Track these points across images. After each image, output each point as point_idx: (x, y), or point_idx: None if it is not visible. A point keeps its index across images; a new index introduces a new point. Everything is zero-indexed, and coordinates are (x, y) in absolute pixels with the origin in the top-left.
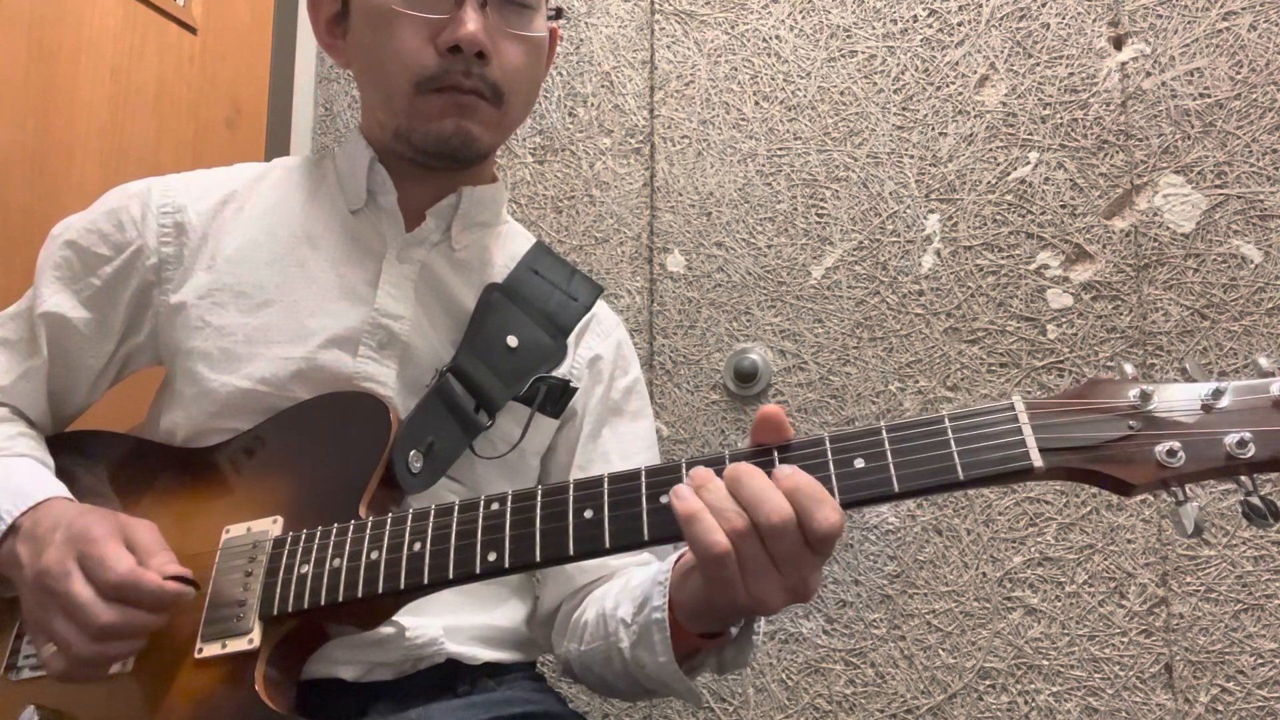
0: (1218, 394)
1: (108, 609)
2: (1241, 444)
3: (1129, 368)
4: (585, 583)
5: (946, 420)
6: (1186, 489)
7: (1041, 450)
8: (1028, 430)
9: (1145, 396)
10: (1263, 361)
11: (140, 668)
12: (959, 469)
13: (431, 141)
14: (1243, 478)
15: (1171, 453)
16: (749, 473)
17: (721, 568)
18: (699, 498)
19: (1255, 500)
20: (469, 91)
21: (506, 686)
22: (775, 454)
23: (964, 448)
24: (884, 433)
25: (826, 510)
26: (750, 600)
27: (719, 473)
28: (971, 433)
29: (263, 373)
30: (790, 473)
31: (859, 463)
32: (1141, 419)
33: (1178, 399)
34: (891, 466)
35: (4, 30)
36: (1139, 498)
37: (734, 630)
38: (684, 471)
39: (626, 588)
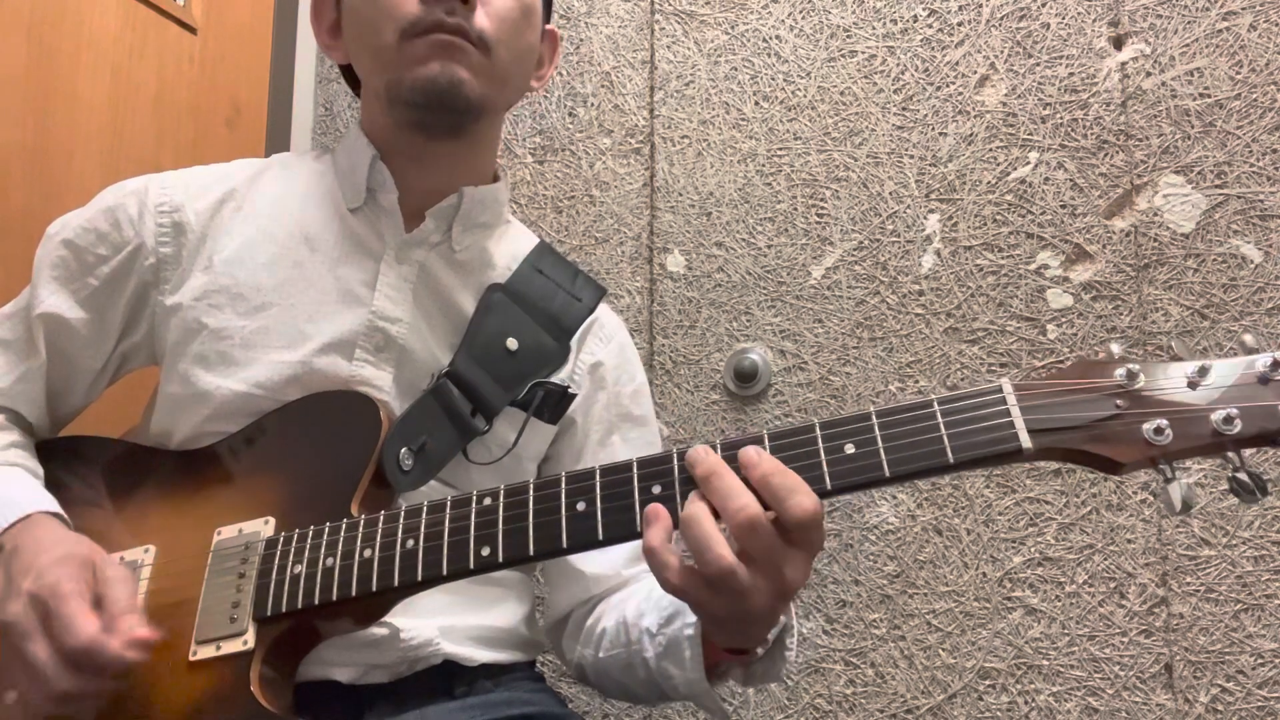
0: (1203, 371)
1: (65, 676)
2: (1228, 420)
3: (1115, 347)
4: (599, 591)
5: (936, 404)
6: (1175, 467)
7: (1030, 431)
8: (1016, 412)
9: (1132, 376)
10: (1248, 339)
11: (134, 673)
12: (949, 452)
13: (420, 86)
14: (1230, 454)
15: (1159, 431)
16: (718, 472)
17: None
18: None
19: (1243, 476)
20: (453, 32)
21: (504, 687)
22: (766, 440)
23: (953, 431)
24: (874, 418)
25: (799, 497)
26: (731, 612)
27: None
28: (961, 416)
29: (258, 377)
30: (756, 460)
31: (849, 448)
32: (1128, 398)
33: (1164, 377)
34: (882, 451)
35: (4, 30)
36: (1128, 475)
37: (760, 650)
38: (675, 461)
39: (650, 597)
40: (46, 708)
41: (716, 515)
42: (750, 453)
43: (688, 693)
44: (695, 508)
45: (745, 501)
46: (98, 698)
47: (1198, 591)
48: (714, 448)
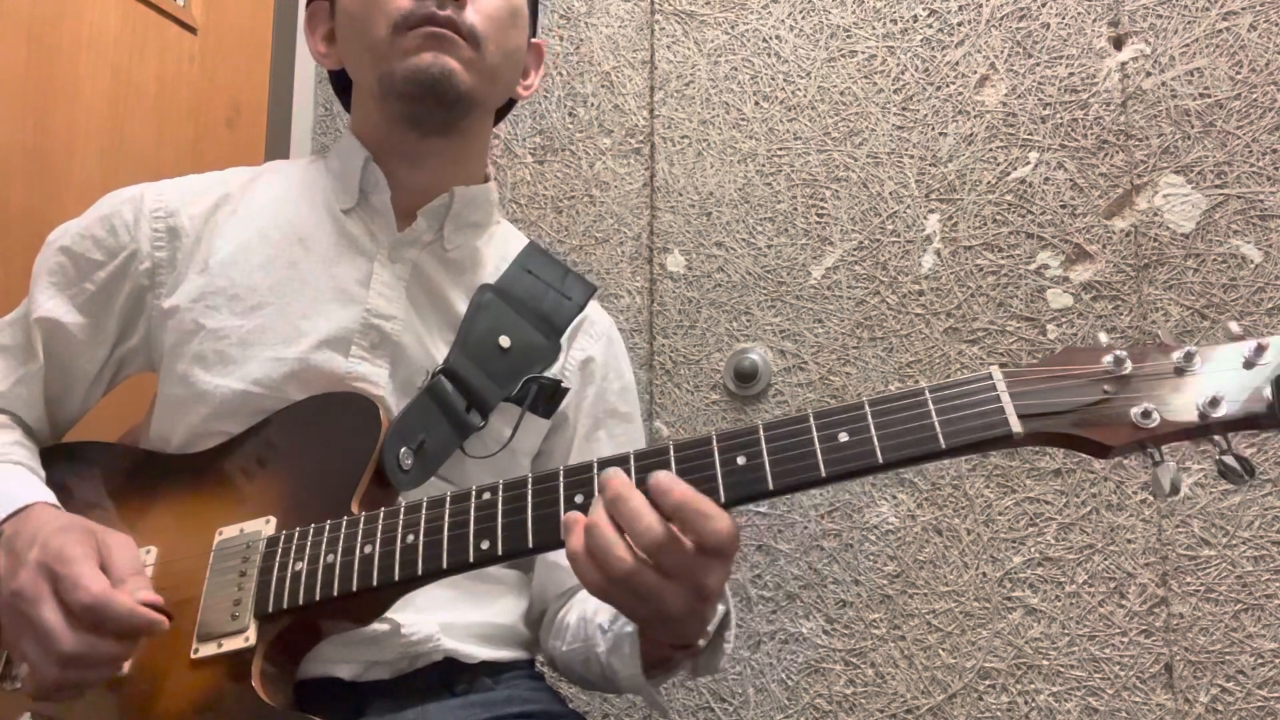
0: (1189, 357)
1: (73, 637)
2: (1213, 403)
3: (1103, 336)
4: (572, 584)
5: (927, 392)
6: (1162, 450)
7: (1020, 417)
8: (1006, 398)
9: (1119, 362)
10: (1233, 326)
11: (136, 671)
12: (941, 438)
13: (412, 75)
14: (1216, 437)
15: (1146, 414)
16: (623, 495)
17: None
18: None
19: (1229, 459)
20: (444, 25)
21: (505, 685)
22: (761, 432)
23: (945, 417)
24: (866, 406)
25: (712, 523)
26: (650, 614)
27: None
28: (952, 403)
29: (256, 374)
30: (668, 487)
31: (843, 436)
32: (1116, 383)
33: (1151, 363)
34: (875, 439)
35: (4, 30)
36: (1116, 459)
37: (701, 642)
38: (671, 454)
39: None
40: (54, 672)
41: None
42: (661, 479)
43: (629, 687)
44: (597, 514)
45: (649, 523)
46: (105, 666)
47: (1198, 591)
48: (628, 460)
